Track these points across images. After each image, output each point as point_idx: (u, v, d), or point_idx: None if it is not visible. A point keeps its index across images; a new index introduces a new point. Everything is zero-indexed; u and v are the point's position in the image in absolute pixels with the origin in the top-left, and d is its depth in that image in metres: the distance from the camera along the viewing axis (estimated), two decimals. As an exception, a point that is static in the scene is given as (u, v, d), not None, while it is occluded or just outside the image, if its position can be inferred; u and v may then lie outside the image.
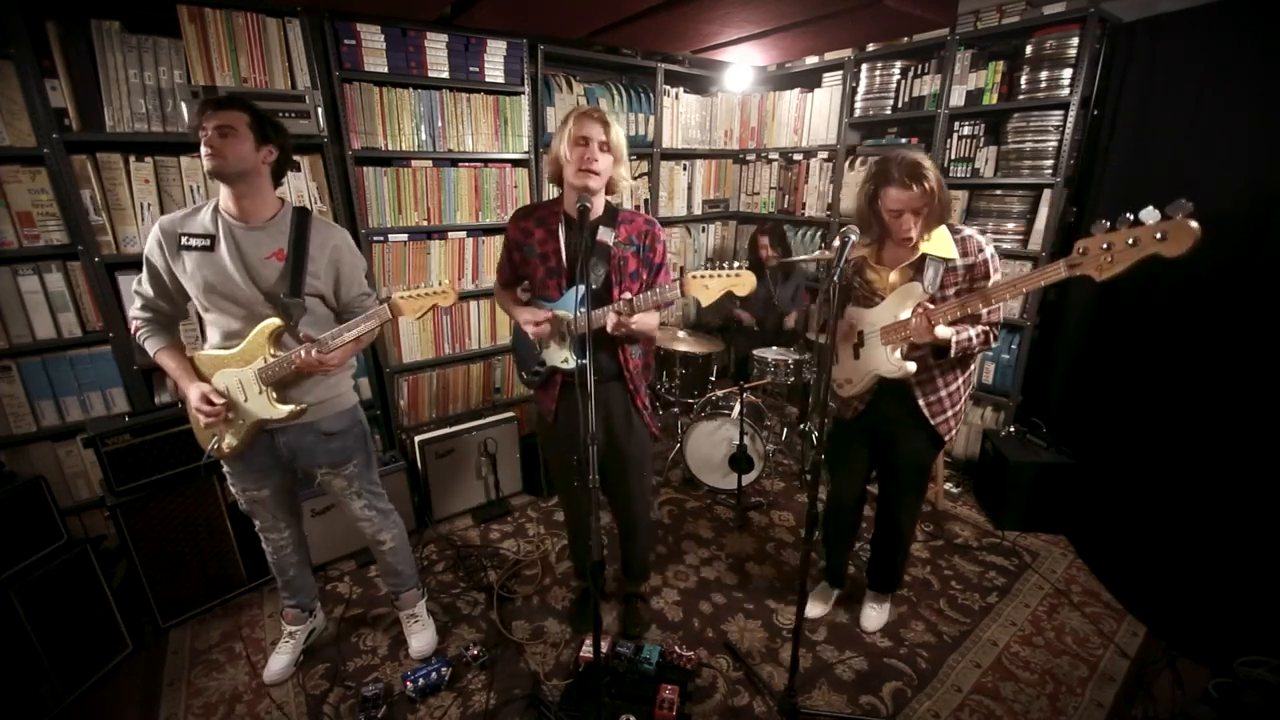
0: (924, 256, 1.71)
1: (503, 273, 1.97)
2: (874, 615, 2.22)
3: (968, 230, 1.73)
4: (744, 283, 1.62)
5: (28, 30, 1.94)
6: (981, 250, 1.69)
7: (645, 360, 1.95)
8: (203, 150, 1.52)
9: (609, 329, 1.67)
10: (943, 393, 1.84)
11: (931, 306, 1.65)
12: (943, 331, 1.65)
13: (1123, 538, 2.52)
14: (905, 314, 1.73)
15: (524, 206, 1.89)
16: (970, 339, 1.70)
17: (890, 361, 1.77)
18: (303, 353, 1.62)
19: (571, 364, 1.82)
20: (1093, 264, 1.36)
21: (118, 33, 2.06)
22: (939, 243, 1.69)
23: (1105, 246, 1.33)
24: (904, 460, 1.95)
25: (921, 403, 1.84)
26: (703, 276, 1.62)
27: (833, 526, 2.24)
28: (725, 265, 1.63)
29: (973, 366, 1.86)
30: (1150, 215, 1.25)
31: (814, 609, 2.27)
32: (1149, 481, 2.49)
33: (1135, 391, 2.57)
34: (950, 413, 1.85)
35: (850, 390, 1.94)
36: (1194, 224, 1.20)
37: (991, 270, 1.69)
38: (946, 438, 1.88)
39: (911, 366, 1.76)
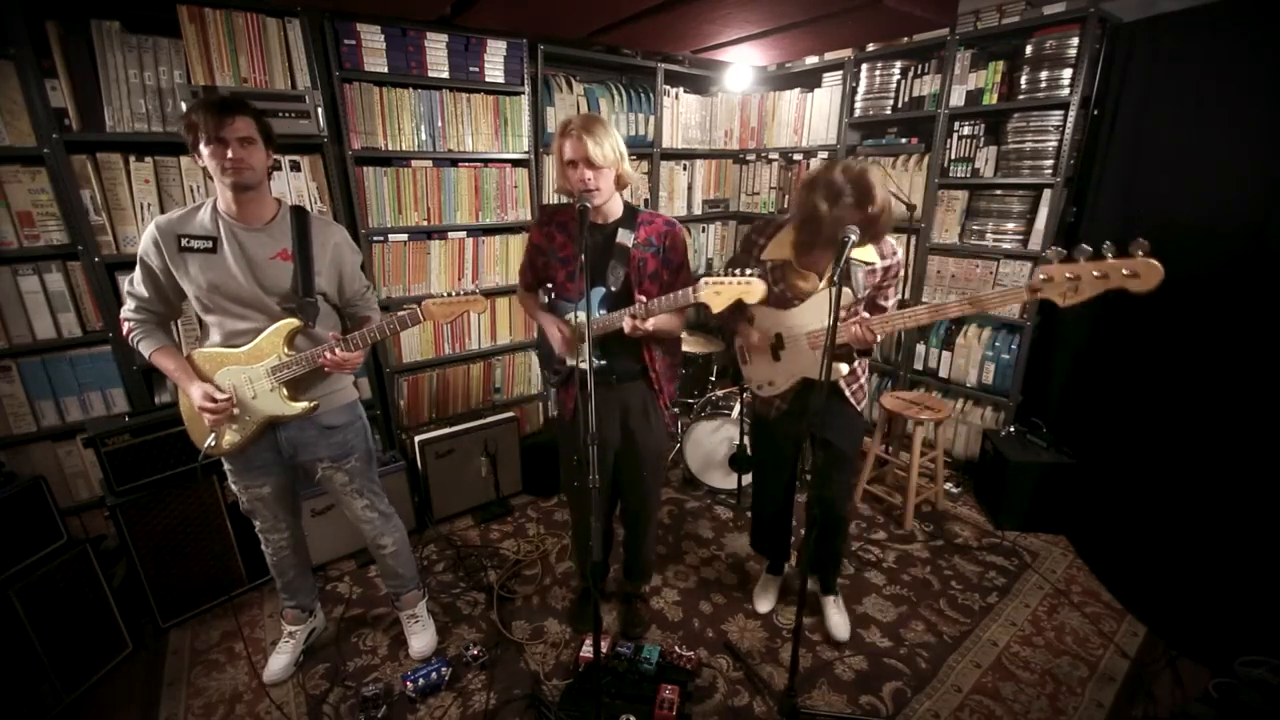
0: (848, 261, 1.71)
1: (525, 276, 1.99)
2: (839, 620, 2.18)
3: None
4: (753, 291, 1.56)
5: (28, 30, 1.94)
6: (895, 252, 1.77)
7: (673, 359, 1.97)
8: (223, 160, 1.47)
9: (626, 331, 1.67)
10: (861, 380, 1.96)
11: (867, 316, 1.68)
12: (880, 337, 1.72)
13: (1123, 538, 2.51)
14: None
15: (548, 209, 1.89)
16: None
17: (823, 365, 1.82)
18: (330, 352, 1.62)
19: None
20: (1055, 290, 1.41)
21: (118, 33, 2.06)
22: (861, 248, 1.70)
23: (1070, 276, 1.38)
24: (846, 445, 1.98)
25: (848, 392, 1.93)
26: (714, 283, 1.57)
27: (772, 519, 2.26)
28: (737, 271, 1.56)
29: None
30: (1108, 251, 1.32)
31: (762, 604, 2.30)
32: (1149, 481, 2.49)
33: (1135, 391, 2.57)
34: (866, 394, 2.00)
35: (772, 390, 1.98)
36: (1158, 264, 1.26)
37: (900, 269, 1.81)
38: (865, 414, 2.01)
39: (845, 369, 1.84)
